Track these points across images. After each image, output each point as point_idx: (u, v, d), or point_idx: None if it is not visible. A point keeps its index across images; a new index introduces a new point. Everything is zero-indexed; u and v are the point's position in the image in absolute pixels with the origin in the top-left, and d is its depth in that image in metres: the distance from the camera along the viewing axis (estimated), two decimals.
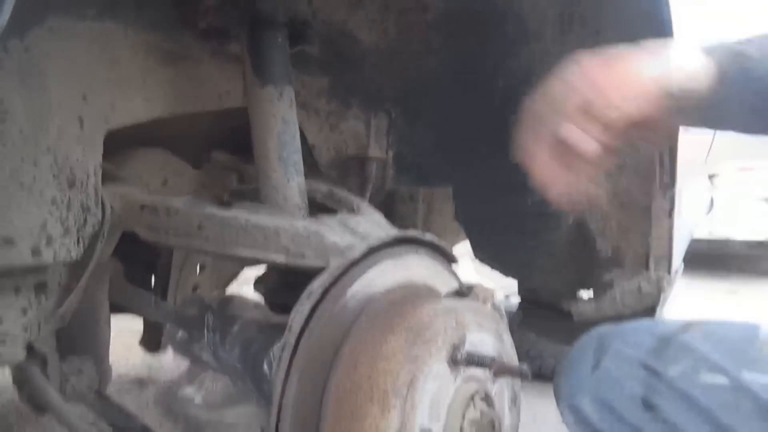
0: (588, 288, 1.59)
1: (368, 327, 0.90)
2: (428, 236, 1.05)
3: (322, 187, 1.35)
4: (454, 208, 1.72)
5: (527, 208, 1.59)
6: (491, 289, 1.14)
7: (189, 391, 1.22)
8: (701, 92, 0.80)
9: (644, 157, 1.50)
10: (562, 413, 0.96)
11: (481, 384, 0.94)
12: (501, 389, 1.00)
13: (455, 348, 0.89)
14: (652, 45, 0.82)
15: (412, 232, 1.03)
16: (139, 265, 1.52)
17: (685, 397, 0.86)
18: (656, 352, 0.91)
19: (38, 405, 1.02)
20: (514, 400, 1.04)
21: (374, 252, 0.95)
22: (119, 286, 1.45)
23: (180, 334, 1.23)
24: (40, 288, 0.98)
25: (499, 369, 0.96)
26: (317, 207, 1.33)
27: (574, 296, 1.60)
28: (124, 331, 1.54)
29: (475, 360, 0.89)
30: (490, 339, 0.97)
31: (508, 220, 1.63)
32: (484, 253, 1.71)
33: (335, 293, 0.88)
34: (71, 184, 0.97)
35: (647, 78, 0.78)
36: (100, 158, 1.06)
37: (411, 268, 1.02)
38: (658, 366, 0.89)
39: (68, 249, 0.94)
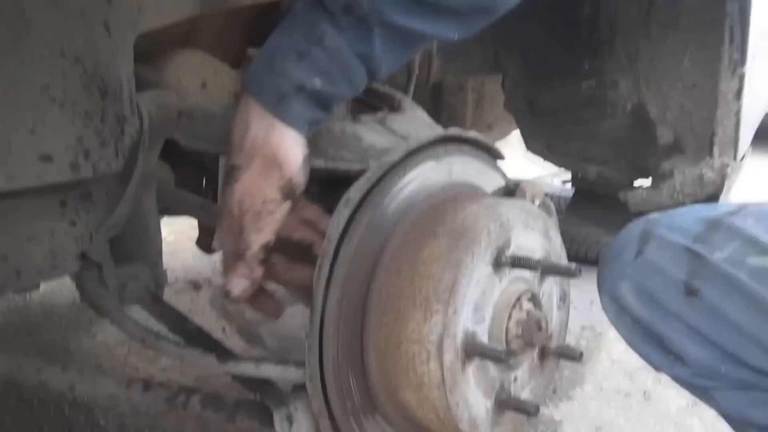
0: (646, 177, 1.52)
1: (409, 232, 0.89)
2: (471, 133, 1.00)
3: None
4: (504, 98, 1.64)
5: (581, 95, 1.50)
6: (540, 186, 1.09)
7: None
8: None
9: (710, 30, 1.37)
10: (602, 301, 0.94)
11: (528, 284, 0.93)
12: (549, 288, 0.98)
13: (499, 250, 0.87)
14: None
15: (454, 130, 0.98)
16: (190, 169, 1.53)
17: (730, 280, 0.82)
18: (703, 236, 0.86)
19: (96, 308, 1.07)
20: (564, 298, 1.02)
21: (413, 154, 0.91)
22: (169, 191, 1.48)
23: None
24: (86, 199, 0.99)
25: (546, 269, 0.94)
26: (358, 103, 1.29)
27: (631, 186, 1.53)
28: (180, 233, 1.58)
29: (520, 262, 0.87)
30: (537, 238, 0.94)
31: (561, 108, 1.55)
32: (536, 144, 1.65)
33: (373, 199, 0.86)
34: (104, 95, 0.95)
35: None
36: (131, 64, 1.03)
37: (453, 168, 0.98)
38: (703, 250, 0.85)
39: (107, 161, 0.94)
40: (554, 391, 2.01)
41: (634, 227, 0.95)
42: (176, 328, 1.12)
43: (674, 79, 1.44)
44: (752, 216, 0.83)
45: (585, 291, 2.87)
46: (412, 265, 0.85)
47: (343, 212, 0.83)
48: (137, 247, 1.23)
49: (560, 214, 1.10)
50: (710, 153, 1.39)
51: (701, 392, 0.90)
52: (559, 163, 1.70)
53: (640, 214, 1.54)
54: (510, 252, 0.88)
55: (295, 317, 1.18)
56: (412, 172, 0.91)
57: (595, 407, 1.96)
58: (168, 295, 1.25)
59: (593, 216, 1.67)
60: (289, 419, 0.91)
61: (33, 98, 0.85)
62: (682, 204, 1.48)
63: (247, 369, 0.92)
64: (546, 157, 1.68)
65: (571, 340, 2.41)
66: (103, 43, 0.96)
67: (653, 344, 0.90)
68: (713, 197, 1.42)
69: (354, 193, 0.84)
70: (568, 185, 2.53)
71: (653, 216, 0.94)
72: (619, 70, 1.45)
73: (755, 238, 0.82)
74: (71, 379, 0.91)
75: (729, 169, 1.36)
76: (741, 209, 0.88)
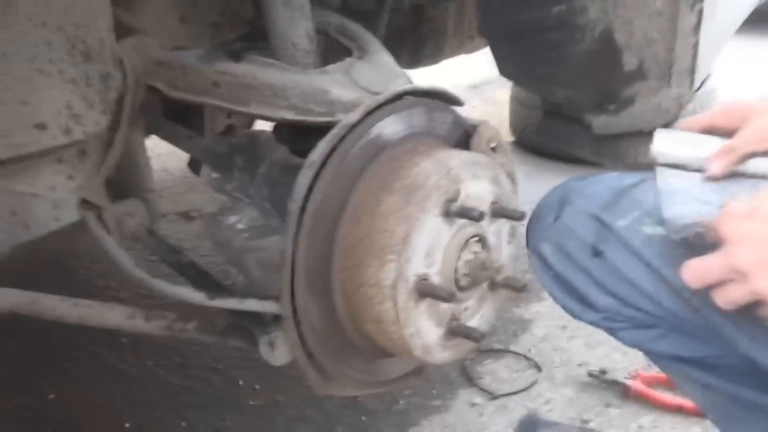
0: (610, 103, 1.59)
1: (369, 185, 0.99)
2: (428, 86, 1.08)
3: (334, 20, 1.35)
4: (477, 22, 1.68)
5: (551, 20, 1.54)
6: (495, 128, 1.18)
7: (233, 220, 1.37)
8: None
9: None
10: (529, 257, 1.07)
11: (478, 228, 1.04)
12: (499, 227, 1.10)
13: (448, 202, 0.98)
14: None
15: (411, 86, 1.06)
16: (177, 102, 1.60)
17: (628, 246, 0.96)
18: (609, 205, 1.00)
19: (100, 248, 1.19)
20: (513, 234, 1.14)
21: (373, 112, 1.00)
22: (158, 120, 1.56)
23: (213, 173, 1.35)
24: (81, 153, 1.09)
25: (494, 212, 1.06)
26: (330, 41, 1.35)
27: (596, 110, 1.61)
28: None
29: (465, 213, 0.98)
30: (486, 186, 1.05)
31: (531, 32, 1.60)
32: (508, 68, 1.70)
33: (335, 160, 0.96)
34: (87, 58, 1.03)
35: None
36: (110, 17, 1.09)
37: (413, 120, 1.06)
38: (607, 218, 0.99)
39: (96, 121, 1.03)
40: (525, 293, 2.19)
41: (554, 193, 1.07)
42: (170, 261, 1.25)
43: (641, 6, 1.47)
44: (651, 189, 0.95)
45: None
46: (370, 217, 0.97)
47: (306, 173, 0.94)
48: (130, 185, 1.34)
49: None
50: (669, 83, 1.46)
51: (609, 331, 1.06)
52: (529, 87, 1.77)
53: (603, 136, 1.64)
54: (459, 203, 0.99)
55: (277, 246, 1.31)
56: (372, 130, 1.00)
57: None
58: (161, 228, 1.38)
59: (561, 137, 1.75)
60: (271, 345, 1.06)
61: (22, 71, 0.93)
62: (642, 129, 1.57)
63: (233, 304, 1.06)
64: (517, 81, 1.75)
65: None
66: (81, 4, 1.02)
67: (570, 295, 1.05)
68: (669, 125, 1.50)
69: (316, 156, 0.94)
70: None
71: (571, 183, 1.06)
72: None
73: (650, 209, 0.94)
74: (82, 313, 1.05)
75: (684, 99, 1.44)
76: (643, 181, 1.00)
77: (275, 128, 1.25)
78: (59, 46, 0.98)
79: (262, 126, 1.40)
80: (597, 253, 1.00)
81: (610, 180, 1.06)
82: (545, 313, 2.12)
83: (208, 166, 1.40)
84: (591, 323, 1.06)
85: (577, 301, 1.07)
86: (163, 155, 2.83)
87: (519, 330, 2.05)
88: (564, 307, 1.09)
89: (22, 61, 0.93)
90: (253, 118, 1.53)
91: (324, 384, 1.07)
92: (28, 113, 0.93)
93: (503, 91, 3.87)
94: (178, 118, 1.61)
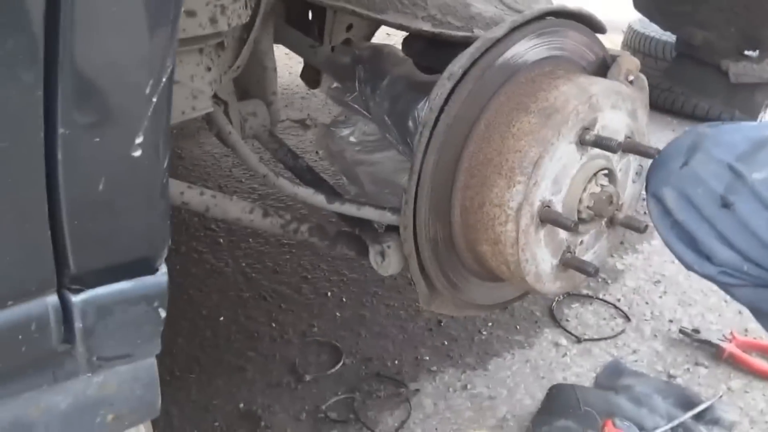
0: (753, 48, 1.48)
1: (504, 104, 0.97)
2: (574, 8, 1.03)
3: None
4: None
5: None
6: (636, 61, 1.13)
7: (346, 132, 1.39)
8: None
9: None
10: (647, 202, 1.03)
11: (607, 161, 1.01)
12: (627, 164, 1.07)
13: (585, 130, 0.95)
14: None
15: (556, 7, 1.02)
16: (298, 10, 1.60)
17: (762, 200, 0.90)
18: (746, 155, 0.93)
19: (224, 141, 1.23)
20: (640, 173, 1.11)
21: (517, 29, 0.97)
22: (281, 30, 1.57)
23: (334, 84, 1.36)
24: (219, 47, 1.11)
25: (626, 147, 1.02)
26: None
27: (735, 56, 1.51)
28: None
29: (601, 142, 0.95)
30: (623, 119, 1.01)
31: None
32: (644, 2, 1.61)
33: (474, 74, 0.94)
34: None
35: None
36: None
37: (554, 43, 1.03)
38: (743, 169, 0.92)
39: (239, 14, 1.04)
40: (621, 243, 2.14)
41: (685, 138, 1.01)
42: (288, 164, 1.28)
43: None
44: None
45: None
46: (502, 136, 0.95)
47: (445, 85, 0.93)
48: (255, 86, 1.37)
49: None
50: None
51: (726, 287, 1.01)
52: (665, 24, 1.66)
53: (740, 84, 1.54)
54: (595, 131, 0.96)
55: (390, 162, 1.32)
56: (514, 47, 0.97)
57: (657, 261, 2.08)
58: (280, 132, 1.41)
59: (692, 82, 1.65)
60: (382, 254, 1.08)
61: None
62: None
63: (350, 210, 1.08)
64: (652, 17, 1.64)
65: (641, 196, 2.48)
66: None
67: (688, 244, 1.00)
68: None
69: (457, 67, 0.93)
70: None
71: (703, 129, 1.00)
72: None
73: None
74: (207, 202, 1.10)
75: None
76: None
77: (405, 41, 1.24)
78: None
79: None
80: (726, 204, 0.94)
81: (750, 129, 0.99)
82: (639, 266, 2.07)
83: (329, 75, 1.41)
84: (706, 276, 1.02)
85: (694, 252, 1.02)
86: None
87: (610, 279, 2.01)
88: (679, 257, 1.05)
89: None
90: (377, 27, 1.52)
91: (431, 298, 1.09)
92: None
93: (613, 36, 3.68)
94: (298, 27, 1.62)
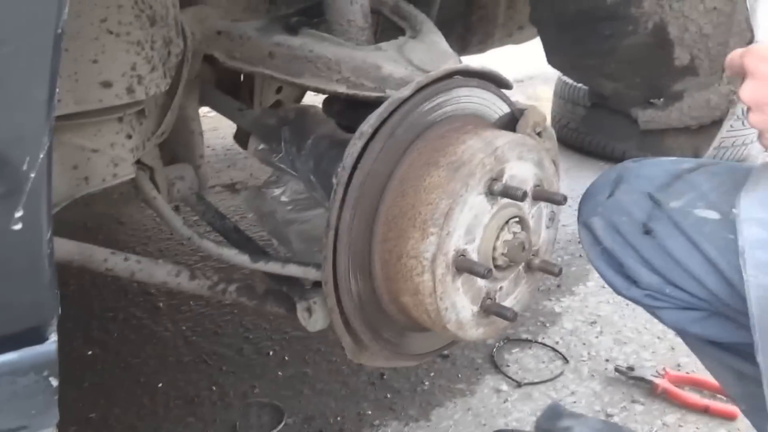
0: (658, 97, 1.59)
1: (416, 159, 1.02)
2: (479, 67, 1.09)
3: (389, 0, 1.37)
4: (529, 10, 1.68)
5: (605, 10, 1.54)
6: (543, 113, 1.20)
7: (277, 192, 1.41)
8: None
9: None
10: (579, 232, 1.08)
11: (518, 209, 1.06)
12: (540, 211, 1.12)
13: (492, 180, 1.00)
14: None
15: (462, 65, 1.08)
16: (229, 74, 1.64)
17: (678, 226, 0.97)
18: (664, 186, 1.00)
19: (149, 205, 1.24)
20: (553, 219, 1.16)
21: (424, 89, 1.02)
22: (210, 91, 1.61)
23: (261, 145, 1.39)
24: (140, 114, 1.13)
25: (535, 195, 1.08)
26: (385, 20, 1.38)
27: (643, 104, 1.61)
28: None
29: (508, 192, 0.99)
30: (530, 168, 1.06)
31: (583, 22, 1.60)
32: (557, 58, 1.70)
33: (385, 132, 0.98)
34: (153, 22, 1.07)
35: None
36: None
37: (461, 99, 1.08)
38: (661, 198, 0.99)
39: (157, 84, 1.07)
40: (558, 286, 2.20)
41: (611, 172, 1.08)
42: (216, 225, 1.30)
43: (696, 0, 1.47)
44: (707, 174, 0.95)
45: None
46: (415, 190, 0.99)
47: (356, 144, 0.97)
48: (182, 150, 1.39)
49: None
50: (720, 78, 1.45)
51: (651, 310, 1.06)
52: (577, 77, 1.77)
53: (649, 131, 1.64)
54: (503, 182, 1.01)
55: (319, 219, 1.35)
56: (422, 106, 1.02)
57: (593, 302, 2.14)
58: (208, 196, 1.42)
59: (606, 129, 1.75)
60: (309, 310, 1.10)
61: (94, 31, 0.97)
62: (689, 125, 1.56)
63: (275, 268, 1.10)
64: (565, 71, 1.75)
65: (575, 240, 2.57)
66: None
67: (616, 270, 1.06)
68: (718, 121, 1.49)
69: (366, 127, 0.97)
70: None
71: (628, 163, 1.07)
72: None
73: (705, 193, 0.95)
74: (132, 267, 1.10)
75: (735, 96, 1.42)
76: (700, 167, 1.00)
77: (325, 102, 1.28)
78: (128, 9, 1.02)
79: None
80: (647, 231, 1.01)
81: (668, 163, 1.07)
82: (576, 308, 2.12)
83: (256, 137, 1.45)
84: (633, 300, 1.07)
85: (622, 277, 1.08)
86: (205, 132, 2.91)
87: (548, 322, 2.06)
88: (608, 282, 1.11)
89: (94, 21, 0.97)
90: (305, 90, 1.57)
91: (358, 352, 1.10)
92: (96, 71, 0.97)
93: (545, 87, 3.85)
94: (229, 91, 1.66)
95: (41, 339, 0.50)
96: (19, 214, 0.44)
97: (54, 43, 0.43)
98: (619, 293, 1.09)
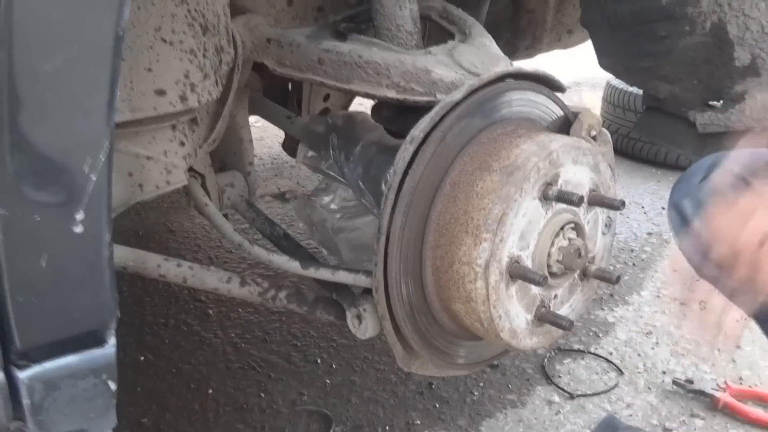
0: (717, 99, 1.53)
1: (468, 164, 1.00)
2: (532, 70, 1.07)
3: (437, 4, 1.36)
4: (580, 11, 1.64)
5: (659, 11, 1.49)
6: (597, 116, 1.16)
7: (326, 200, 1.41)
8: None
9: None
10: (668, 212, 1.06)
11: (574, 215, 1.03)
12: (596, 216, 1.09)
13: (547, 185, 0.97)
14: None
15: (514, 68, 1.05)
16: (278, 83, 1.66)
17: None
18: (758, 171, 0.96)
19: (201, 212, 1.25)
20: (609, 225, 1.12)
21: (475, 92, 1.00)
22: (258, 100, 1.62)
23: (310, 153, 1.39)
24: (192, 122, 1.15)
25: (591, 200, 1.04)
26: (433, 25, 1.37)
27: (701, 107, 1.55)
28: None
29: (564, 197, 0.97)
30: (585, 173, 1.04)
31: (637, 23, 1.55)
32: (609, 60, 1.66)
33: (436, 136, 0.97)
34: (205, 30, 1.08)
35: None
36: None
37: (513, 103, 1.06)
38: (754, 181, 0.95)
39: (209, 91, 1.08)
40: (611, 295, 2.14)
41: (708, 157, 1.08)
42: (266, 232, 1.30)
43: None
44: None
45: (660, 197, 2.89)
46: (467, 195, 0.97)
47: (407, 149, 0.95)
48: (233, 158, 1.40)
49: None
50: None
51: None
52: (631, 80, 1.72)
53: (707, 134, 1.58)
54: (557, 187, 0.98)
55: (369, 227, 1.34)
56: (474, 109, 1.01)
57: (648, 312, 2.08)
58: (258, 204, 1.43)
59: (662, 133, 1.70)
60: (359, 318, 1.08)
61: (148, 40, 0.99)
62: (751, 128, 1.50)
63: (325, 275, 1.09)
64: (618, 74, 1.69)
65: (636, 245, 2.49)
66: None
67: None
68: None
69: (418, 131, 0.95)
70: None
71: (725, 152, 1.05)
72: None
73: None
74: (184, 273, 1.11)
75: None
76: None
77: (373, 108, 1.27)
78: (182, 18, 1.03)
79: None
80: None
81: (767, 154, 1.05)
82: (630, 318, 2.06)
83: (305, 145, 1.45)
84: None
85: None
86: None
87: (601, 332, 2.00)
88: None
89: (148, 30, 0.99)
90: (354, 96, 1.56)
91: (409, 360, 1.09)
92: (150, 79, 0.99)
93: (591, 94, 3.78)
94: (277, 100, 1.68)
95: (101, 342, 0.50)
96: (80, 216, 0.44)
97: (115, 43, 0.43)
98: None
